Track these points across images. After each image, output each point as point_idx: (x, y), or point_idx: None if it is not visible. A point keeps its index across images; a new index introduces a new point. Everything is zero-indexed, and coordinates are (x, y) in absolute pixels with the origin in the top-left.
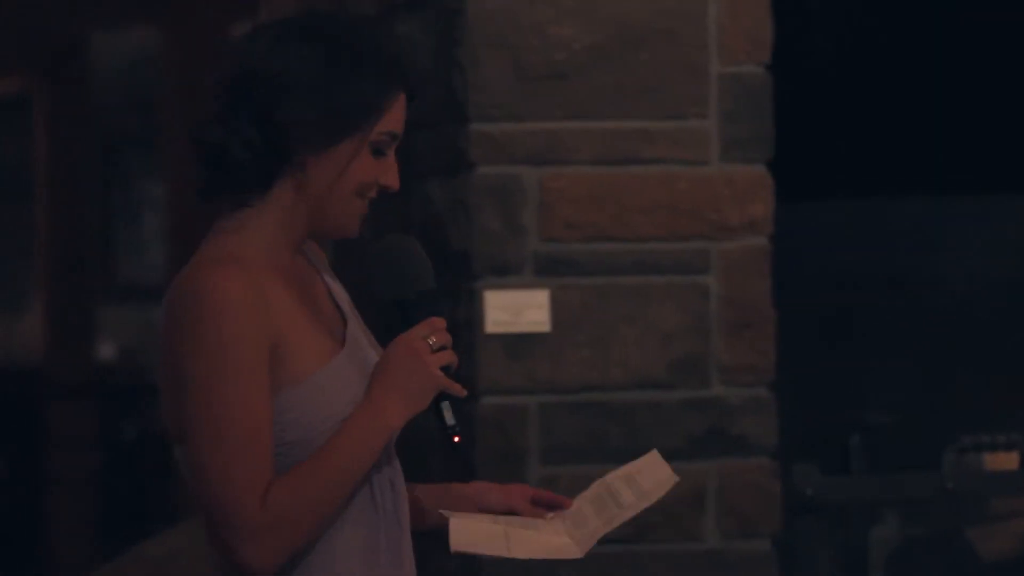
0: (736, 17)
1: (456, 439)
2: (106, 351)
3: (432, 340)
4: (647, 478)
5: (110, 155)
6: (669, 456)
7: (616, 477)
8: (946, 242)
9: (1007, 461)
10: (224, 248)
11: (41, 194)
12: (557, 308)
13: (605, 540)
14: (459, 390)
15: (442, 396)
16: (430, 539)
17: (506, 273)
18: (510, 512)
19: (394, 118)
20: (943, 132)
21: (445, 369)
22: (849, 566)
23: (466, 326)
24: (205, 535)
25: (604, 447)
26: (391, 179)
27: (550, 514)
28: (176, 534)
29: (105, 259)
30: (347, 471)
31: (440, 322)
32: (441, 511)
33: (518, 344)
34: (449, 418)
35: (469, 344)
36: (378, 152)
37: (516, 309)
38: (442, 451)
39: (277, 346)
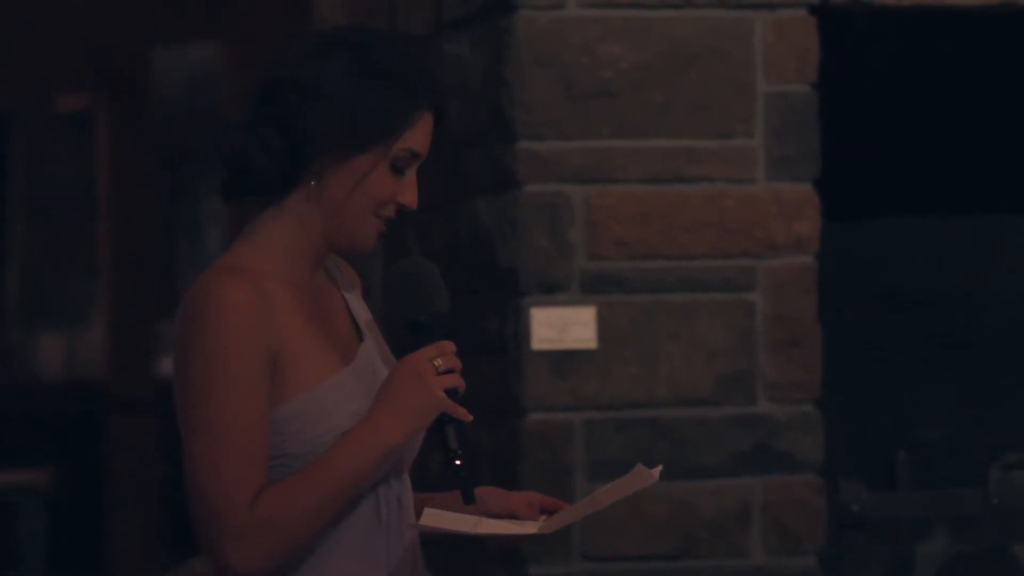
0: (783, 36)
1: (457, 462)
2: (168, 366)
3: (438, 362)
4: (630, 483)
5: (172, 170)
6: (715, 472)
7: (602, 491)
8: (994, 260)
9: None
10: (236, 256)
11: (103, 209)
12: (604, 325)
13: (650, 556)
14: (463, 414)
15: (447, 419)
16: (481, 554)
17: (553, 290)
18: (511, 517)
19: (417, 136)
20: (993, 151)
21: (452, 394)
22: None
23: (513, 343)
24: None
25: (650, 464)
26: (409, 198)
27: (543, 517)
28: None
29: (167, 274)
30: (339, 483)
31: (449, 346)
32: (426, 508)
33: (564, 361)
34: (452, 442)
35: (515, 361)
36: (397, 169)
37: (562, 326)
38: (450, 472)
39: (279, 356)
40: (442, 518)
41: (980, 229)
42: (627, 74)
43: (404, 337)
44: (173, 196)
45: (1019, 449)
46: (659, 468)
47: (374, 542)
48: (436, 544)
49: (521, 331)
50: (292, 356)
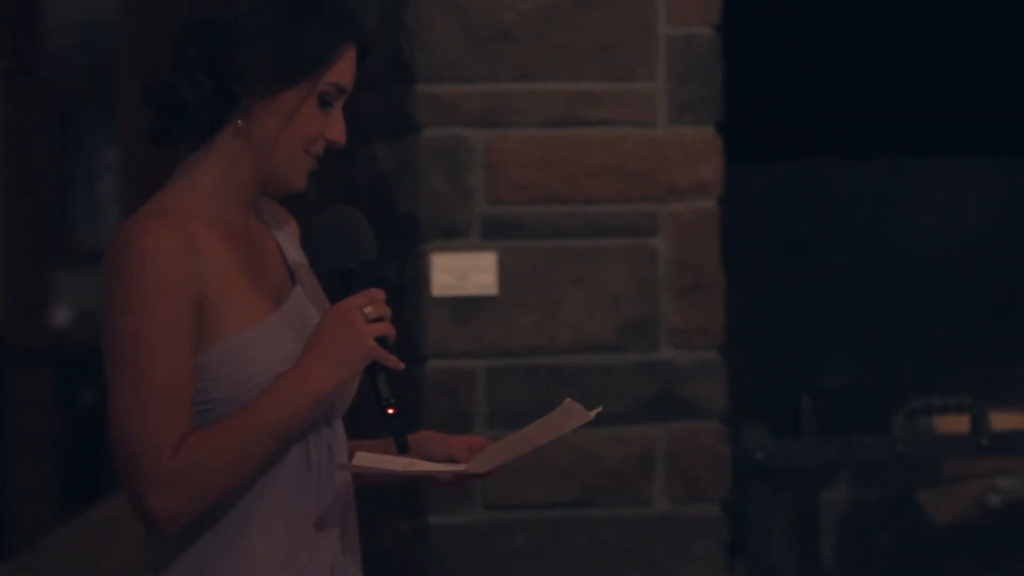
0: None
1: (390, 411)
2: (62, 316)
3: (368, 310)
4: (562, 421)
5: (66, 119)
6: (618, 419)
7: (534, 428)
8: (899, 205)
9: (957, 424)
10: (164, 199)
11: None
12: (504, 271)
13: (552, 504)
14: (395, 362)
15: (378, 368)
16: (382, 503)
17: (453, 236)
18: (450, 461)
19: (342, 70)
20: (898, 94)
21: (383, 341)
22: (799, 530)
23: (412, 289)
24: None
25: (552, 411)
26: (337, 133)
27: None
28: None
29: (61, 224)
30: (266, 430)
31: (379, 293)
32: (357, 451)
33: (465, 307)
34: (384, 390)
35: (415, 307)
36: (325, 103)
37: (463, 272)
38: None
39: (206, 299)
40: (374, 460)
41: (884, 173)
42: (528, 16)
43: (333, 285)
44: (66, 145)
45: (923, 396)
46: (597, 410)
47: (303, 489)
48: None
49: (421, 277)
50: (219, 300)
